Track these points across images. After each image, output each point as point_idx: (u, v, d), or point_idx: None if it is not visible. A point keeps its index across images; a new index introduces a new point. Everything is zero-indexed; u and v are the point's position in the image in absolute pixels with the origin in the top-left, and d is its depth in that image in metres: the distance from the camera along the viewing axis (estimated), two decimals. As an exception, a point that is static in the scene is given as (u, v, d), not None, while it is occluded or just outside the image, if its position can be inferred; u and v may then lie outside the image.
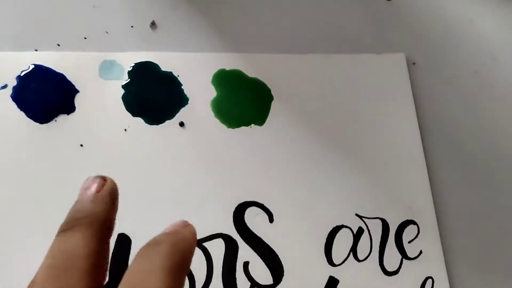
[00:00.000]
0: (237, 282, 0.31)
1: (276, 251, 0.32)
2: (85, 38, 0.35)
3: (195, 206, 0.32)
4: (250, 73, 0.37)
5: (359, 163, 0.36)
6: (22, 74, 0.33)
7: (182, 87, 0.35)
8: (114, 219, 0.19)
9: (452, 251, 0.35)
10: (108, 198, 0.19)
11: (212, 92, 0.36)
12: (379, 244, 0.34)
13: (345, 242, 0.33)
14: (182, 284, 0.16)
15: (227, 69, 0.36)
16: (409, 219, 0.35)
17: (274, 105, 0.36)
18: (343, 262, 0.33)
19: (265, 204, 0.33)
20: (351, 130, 0.37)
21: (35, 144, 0.32)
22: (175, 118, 0.34)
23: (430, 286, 0.33)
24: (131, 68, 0.35)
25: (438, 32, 0.42)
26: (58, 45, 0.35)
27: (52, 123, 0.33)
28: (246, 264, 0.32)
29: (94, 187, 0.18)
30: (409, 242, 0.34)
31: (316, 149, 0.35)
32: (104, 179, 0.19)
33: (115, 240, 0.31)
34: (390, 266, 0.34)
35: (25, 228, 0.30)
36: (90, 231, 0.17)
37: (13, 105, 0.32)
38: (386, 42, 0.41)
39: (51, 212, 0.31)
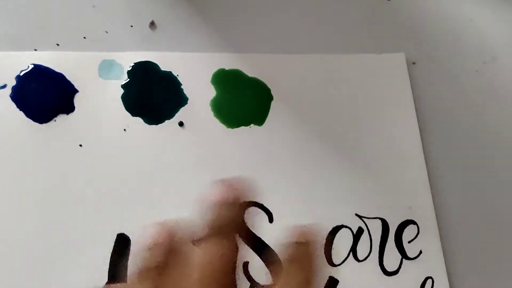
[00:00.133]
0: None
1: (276, 251, 0.32)
2: (84, 38, 0.35)
3: (195, 206, 0.32)
4: (250, 73, 0.37)
5: (359, 163, 0.36)
6: (21, 74, 0.33)
7: (182, 86, 0.35)
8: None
9: (452, 251, 0.35)
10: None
11: (211, 92, 0.35)
12: (379, 244, 0.34)
13: (345, 242, 0.33)
14: None
15: (227, 68, 0.36)
16: (409, 219, 0.35)
17: (273, 105, 0.36)
18: (343, 262, 0.33)
19: (264, 204, 0.33)
20: (351, 130, 0.37)
21: (35, 144, 0.32)
22: (174, 117, 0.34)
23: (430, 286, 0.33)
24: (131, 68, 0.35)
25: (438, 32, 0.42)
26: (58, 45, 0.35)
27: (51, 123, 0.33)
28: (246, 264, 0.32)
29: (228, 195, 0.19)
30: (409, 242, 0.34)
31: (316, 149, 0.35)
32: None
33: (114, 240, 0.31)
34: (390, 266, 0.33)
35: (24, 228, 0.30)
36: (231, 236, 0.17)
37: (12, 105, 0.32)
38: (386, 42, 0.41)
39: (51, 211, 0.31)
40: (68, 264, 0.30)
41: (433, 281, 0.33)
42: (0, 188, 0.31)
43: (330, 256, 0.33)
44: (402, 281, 0.33)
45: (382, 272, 0.33)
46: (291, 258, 0.19)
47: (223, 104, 0.35)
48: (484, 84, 0.39)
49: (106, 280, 0.30)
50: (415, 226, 0.35)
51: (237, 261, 0.18)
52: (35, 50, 0.34)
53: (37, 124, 0.32)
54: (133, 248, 0.31)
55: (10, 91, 0.33)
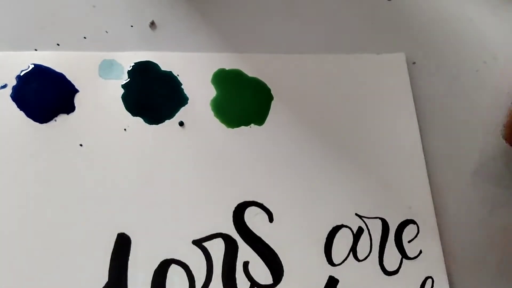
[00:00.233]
0: (237, 282, 0.31)
1: (276, 251, 0.32)
2: (84, 37, 0.35)
3: (195, 206, 0.32)
4: (250, 72, 0.37)
5: (359, 163, 0.36)
6: (21, 74, 0.33)
7: (182, 86, 0.35)
8: None
9: (452, 251, 0.35)
10: None
11: (211, 92, 0.36)
12: (379, 244, 0.34)
13: (345, 242, 0.33)
14: None
15: (227, 68, 0.36)
16: (408, 218, 0.35)
17: (274, 105, 0.36)
18: (343, 262, 0.33)
19: (264, 204, 0.33)
20: (351, 130, 0.37)
21: (35, 143, 0.32)
22: (174, 117, 0.34)
23: (430, 286, 0.33)
24: (131, 67, 0.35)
25: (438, 32, 0.42)
26: (58, 44, 0.35)
27: (51, 122, 0.33)
28: (246, 264, 0.32)
29: None
30: (409, 241, 0.34)
31: (316, 149, 0.35)
32: None
33: (114, 240, 0.31)
34: (390, 266, 0.33)
35: (24, 228, 0.30)
36: None
37: (13, 105, 0.32)
38: (386, 42, 0.41)
39: (51, 211, 0.31)
40: (68, 264, 0.30)
41: (433, 281, 0.33)
42: (0, 188, 0.31)
43: (330, 256, 0.33)
44: (402, 281, 0.33)
45: (382, 272, 0.33)
46: None
47: (223, 104, 0.35)
48: (484, 84, 0.39)
49: (106, 280, 0.30)
50: (415, 226, 0.35)
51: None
52: (36, 50, 0.34)
53: (37, 124, 0.32)
54: (133, 248, 0.31)
55: (11, 91, 0.33)
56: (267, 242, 0.32)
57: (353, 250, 0.33)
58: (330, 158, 0.35)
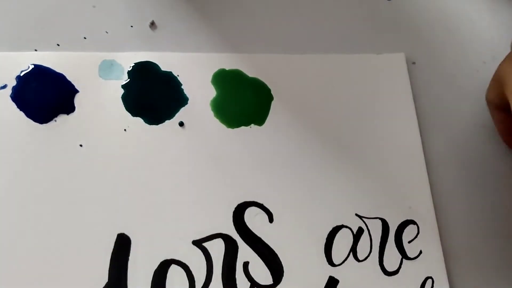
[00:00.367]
0: (237, 282, 0.31)
1: (276, 251, 0.32)
2: (84, 38, 0.35)
3: (195, 206, 0.32)
4: (250, 73, 0.37)
5: (359, 163, 0.36)
6: (21, 74, 0.33)
7: (182, 87, 0.35)
8: None
9: (452, 251, 0.35)
10: None
11: (212, 92, 0.36)
12: (379, 244, 0.34)
13: (345, 242, 0.33)
14: None
15: (227, 69, 0.36)
16: (409, 219, 0.35)
17: (274, 105, 0.36)
18: (343, 262, 0.33)
19: (264, 204, 0.33)
20: (351, 130, 0.37)
21: (35, 144, 0.32)
22: (174, 118, 0.34)
23: (430, 286, 0.33)
24: (131, 68, 0.35)
25: (438, 32, 0.42)
26: (58, 45, 0.35)
27: (51, 123, 0.33)
28: (246, 264, 0.32)
29: None
30: (409, 242, 0.34)
31: (316, 149, 0.35)
32: None
33: (114, 240, 0.31)
34: (390, 266, 0.33)
35: (24, 228, 0.30)
36: None
37: (13, 105, 0.32)
38: (386, 42, 0.41)
39: (50, 211, 0.31)
40: (67, 264, 0.30)
41: (433, 281, 0.33)
42: (0, 188, 0.31)
43: (330, 256, 0.33)
44: (402, 281, 0.33)
45: (382, 272, 0.33)
46: None
47: (223, 104, 0.35)
48: (484, 84, 0.39)
49: (106, 281, 0.30)
50: (415, 226, 0.35)
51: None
52: (35, 50, 0.34)
53: (37, 124, 0.32)
54: (133, 248, 0.31)
55: (10, 91, 0.33)
56: (267, 242, 0.32)
57: (353, 250, 0.33)
58: (330, 158, 0.35)
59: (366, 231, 0.34)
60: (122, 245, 0.31)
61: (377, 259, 0.34)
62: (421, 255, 0.34)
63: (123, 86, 0.34)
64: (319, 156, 0.35)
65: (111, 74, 0.34)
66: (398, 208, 0.35)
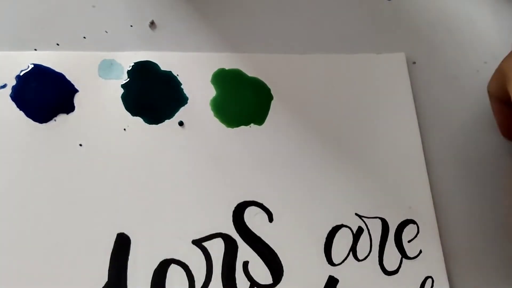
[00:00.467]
0: (237, 281, 0.31)
1: (276, 251, 0.32)
2: (84, 37, 0.36)
3: (195, 206, 0.32)
4: (250, 72, 0.37)
5: (359, 162, 0.36)
6: (21, 74, 0.33)
7: (182, 86, 0.35)
8: None
9: (452, 251, 0.35)
10: None
11: (211, 92, 0.36)
12: (378, 244, 0.34)
13: (345, 242, 0.33)
14: None
15: (227, 68, 0.36)
16: (408, 218, 0.35)
17: (273, 104, 0.36)
18: (343, 261, 0.33)
19: (264, 204, 0.33)
20: (351, 130, 0.37)
21: (35, 143, 0.32)
22: (174, 117, 0.34)
23: (430, 285, 0.33)
24: (131, 67, 0.35)
25: (438, 32, 0.42)
26: (58, 44, 0.35)
27: (51, 122, 0.33)
28: (245, 264, 0.32)
29: None
30: (409, 241, 0.34)
31: (316, 149, 0.35)
32: None
33: (114, 240, 0.31)
34: (390, 265, 0.33)
35: (24, 228, 0.30)
36: None
37: (12, 105, 0.32)
38: (386, 42, 0.41)
39: (51, 211, 0.31)
40: (67, 264, 0.30)
41: (433, 281, 0.33)
42: (0, 188, 0.31)
43: (330, 256, 0.33)
44: (402, 281, 0.33)
45: (382, 272, 0.33)
46: None
47: (223, 104, 0.35)
48: (484, 84, 0.39)
49: (106, 280, 0.30)
50: (415, 225, 0.35)
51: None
52: (35, 50, 0.34)
53: (37, 123, 0.32)
54: (133, 248, 0.31)
55: (10, 91, 0.33)
56: (267, 242, 0.32)
57: (353, 250, 0.33)
58: (330, 158, 0.35)
59: (366, 231, 0.34)
60: (122, 244, 0.31)
61: (377, 258, 0.34)
62: (421, 254, 0.34)
63: (123, 86, 0.34)
64: (319, 155, 0.35)
65: (110, 74, 0.34)
66: (398, 208, 0.35)
